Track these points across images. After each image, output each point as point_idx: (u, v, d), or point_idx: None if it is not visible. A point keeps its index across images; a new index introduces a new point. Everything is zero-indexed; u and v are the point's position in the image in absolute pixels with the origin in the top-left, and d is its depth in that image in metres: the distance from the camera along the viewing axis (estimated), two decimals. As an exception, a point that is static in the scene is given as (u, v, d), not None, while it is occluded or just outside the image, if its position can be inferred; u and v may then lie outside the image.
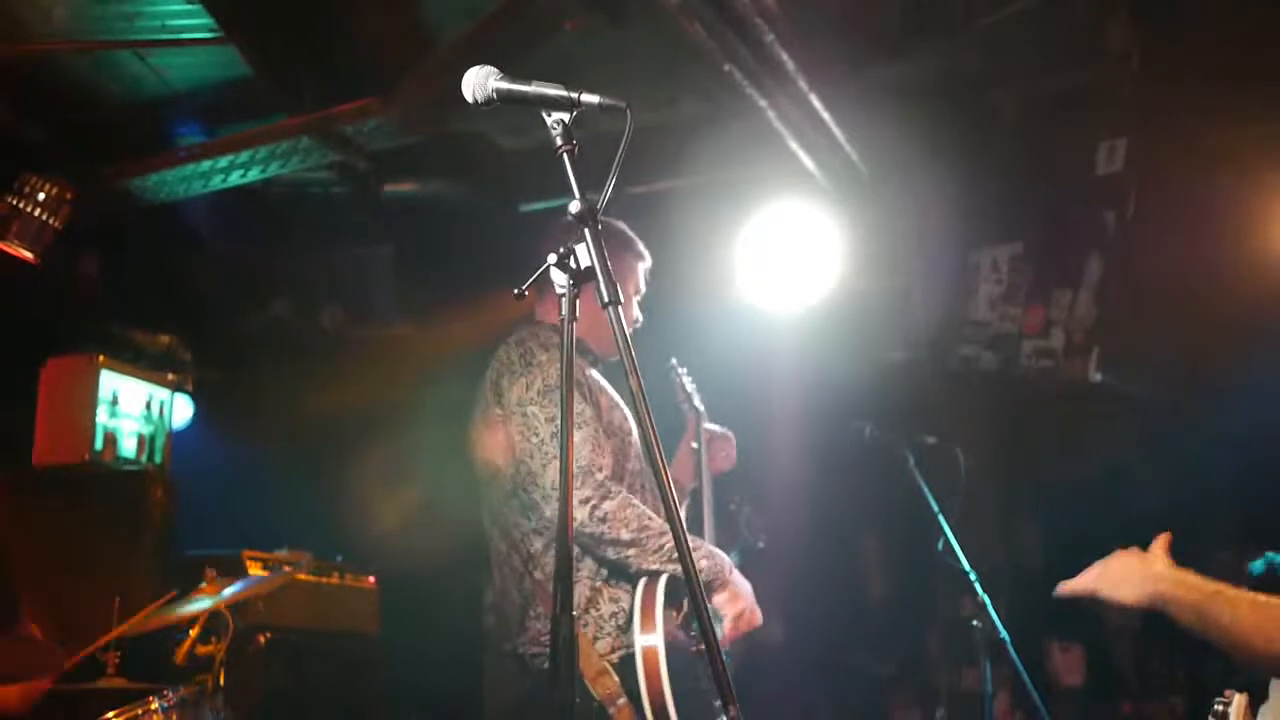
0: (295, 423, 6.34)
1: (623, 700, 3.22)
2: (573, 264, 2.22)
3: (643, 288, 3.93)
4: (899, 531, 6.34)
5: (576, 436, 3.27)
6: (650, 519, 3.35)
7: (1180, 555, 2.83)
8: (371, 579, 5.98)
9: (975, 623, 4.57)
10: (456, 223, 6.37)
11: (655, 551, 3.32)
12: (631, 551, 3.31)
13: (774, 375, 6.51)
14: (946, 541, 4.71)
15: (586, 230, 2.22)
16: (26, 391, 5.55)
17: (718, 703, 3.12)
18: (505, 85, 2.30)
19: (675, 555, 3.25)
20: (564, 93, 2.26)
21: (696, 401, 4.44)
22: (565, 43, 4.89)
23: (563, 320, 2.24)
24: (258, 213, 6.19)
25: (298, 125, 5.16)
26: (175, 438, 6.03)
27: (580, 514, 3.24)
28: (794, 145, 5.50)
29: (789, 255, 5.86)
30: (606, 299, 2.18)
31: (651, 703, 3.18)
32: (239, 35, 4.73)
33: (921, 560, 5.26)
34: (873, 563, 6.93)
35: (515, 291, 2.29)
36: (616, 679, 3.25)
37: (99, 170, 5.37)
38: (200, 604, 4.17)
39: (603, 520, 3.27)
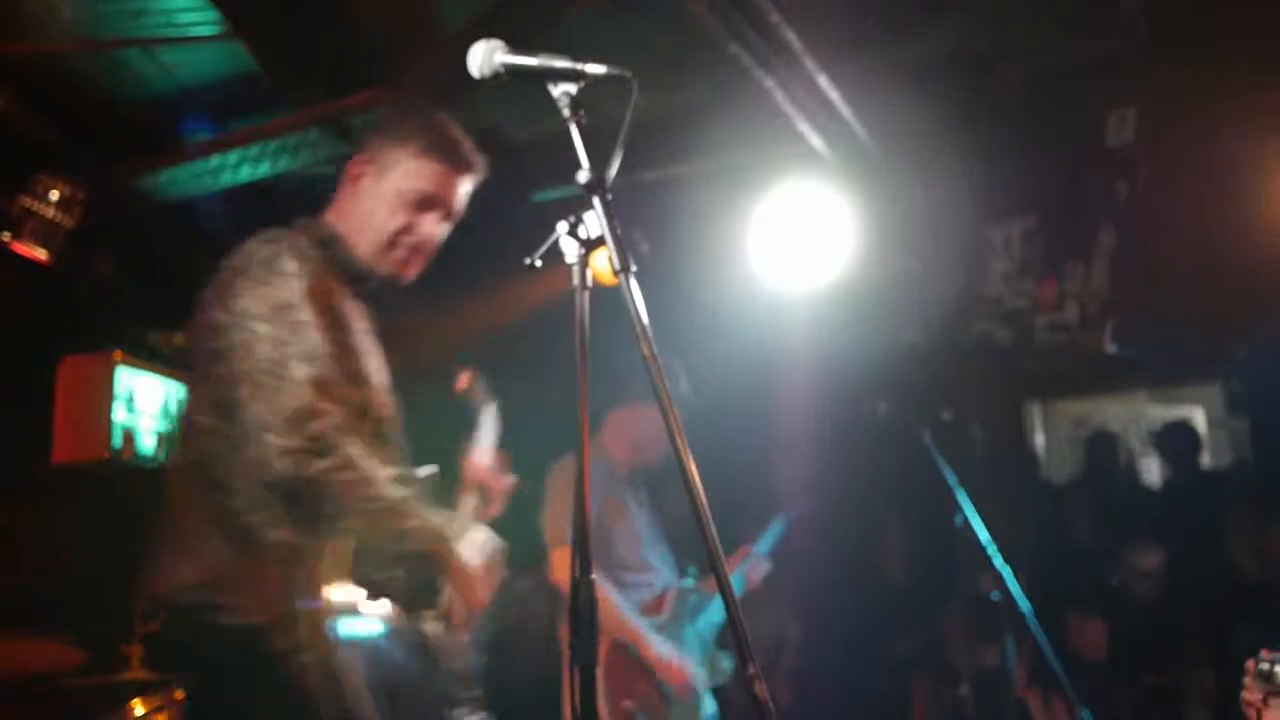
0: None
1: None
2: (582, 232, 2.23)
3: (454, 206, 3.40)
4: (919, 509, 6.33)
5: (298, 373, 2.67)
6: (378, 491, 2.68)
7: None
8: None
9: (995, 594, 4.57)
10: (467, 212, 6.36)
11: (384, 533, 2.71)
12: (350, 523, 2.69)
13: (789, 358, 6.50)
14: (966, 516, 4.70)
15: (595, 199, 2.22)
16: (44, 391, 5.57)
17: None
18: (511, 59, 2.34)
19: (403, 537, 2.73)
20: (569, 64, 2.29)
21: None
22: (571, 30, 4.88)
23: (574, 290, 2.23)
24: (268, 208, 6.19)
25: (306, 118, 5.18)
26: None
27: (279, 465, 2.59)
28: (803, 126, 5.48)
29: (801, 238, 5.85)
30: (618, 266, 2.19)
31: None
32: (245, 29, 4.75)
33: (942, 536, 5.24)
34: (894, 541, 6.91)
35: (526, 261, 2.31)
36: None
37: (110, 169, 5.39)
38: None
39: (309, 481, 2.62)
